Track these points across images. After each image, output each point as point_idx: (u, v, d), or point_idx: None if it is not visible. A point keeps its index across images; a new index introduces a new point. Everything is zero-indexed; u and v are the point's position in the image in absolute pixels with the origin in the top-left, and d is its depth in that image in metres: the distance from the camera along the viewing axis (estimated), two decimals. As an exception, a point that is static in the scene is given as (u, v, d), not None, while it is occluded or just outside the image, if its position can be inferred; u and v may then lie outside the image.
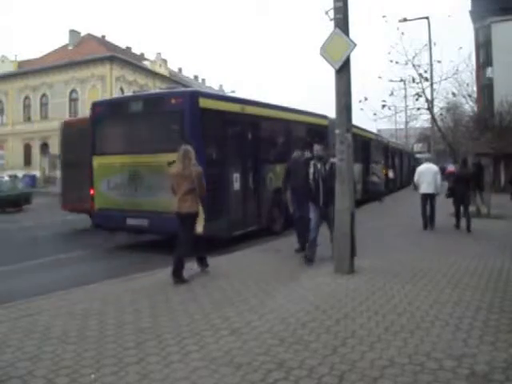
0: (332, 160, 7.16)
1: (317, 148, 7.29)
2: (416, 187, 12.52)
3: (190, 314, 4.71)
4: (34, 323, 4.44)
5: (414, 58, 13.84)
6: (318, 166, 7.18)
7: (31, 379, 3.29)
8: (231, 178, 9.48)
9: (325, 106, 16.57)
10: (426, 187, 11.02)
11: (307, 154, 8.28)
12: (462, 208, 10.93)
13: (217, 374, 3.35)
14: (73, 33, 43.23)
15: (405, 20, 16.60)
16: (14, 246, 10.45)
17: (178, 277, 6.05)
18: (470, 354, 3.59)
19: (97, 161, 9.68)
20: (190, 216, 6.24)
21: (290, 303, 5.07)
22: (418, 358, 3.55)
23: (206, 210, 7.62)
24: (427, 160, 12.84)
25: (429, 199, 11.02)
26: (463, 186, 10.99)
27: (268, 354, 3.67)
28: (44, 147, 41.12)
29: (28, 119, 42.79)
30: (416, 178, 11.44)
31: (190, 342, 3.93)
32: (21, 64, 43.95)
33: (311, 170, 7.21)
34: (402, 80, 14.74)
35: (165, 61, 47.19)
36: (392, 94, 14.51)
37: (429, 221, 11.02)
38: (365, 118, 15.88)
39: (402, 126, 39.38)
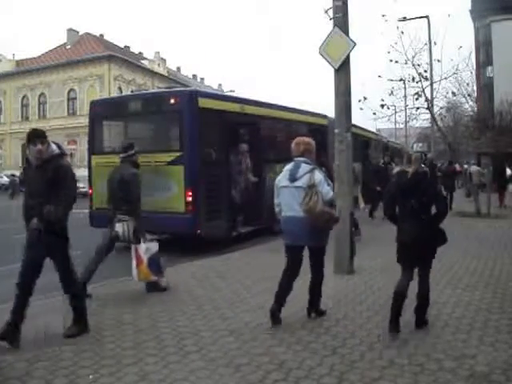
0: (62, 162, 3.97)
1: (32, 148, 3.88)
2: None
3: (189, 314, 4.69)
4: (32, 324, 4.41)
5: (413, 57, 13.81)
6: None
7: (29, 380, 3.27)
8: (231, 178, 9.45)
9: (325, 105, 16.54)
10: None
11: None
12: (448, 194, 14.92)
13: (216, 374, 3.34)
14: (71, 32, 43.21)
15: (404, 19, 16.59)
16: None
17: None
18: (470, 355, 3.58)
19: (95, 160, 9.64)
20: None
21: (290, 303, 5.05)
22: (417, 359, 3.53)
23: (204, 210, 7.47)
24: None
25: None
26: (448, 179, 16.45)
27: (267, 355, 3.66)
28: (42, 146, 41.04)
29: (26, 119, 42.72)
30: None
31: (189, 343, 3.91)
32: (19, 63, 43.95)
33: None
34: (401, 79, 14.69)
35: (163, 60, 47.18)
36: (391, 93, 14.47)
37: None
38: (365, 117, 15.88)
39: (402, 126, 39.34)
